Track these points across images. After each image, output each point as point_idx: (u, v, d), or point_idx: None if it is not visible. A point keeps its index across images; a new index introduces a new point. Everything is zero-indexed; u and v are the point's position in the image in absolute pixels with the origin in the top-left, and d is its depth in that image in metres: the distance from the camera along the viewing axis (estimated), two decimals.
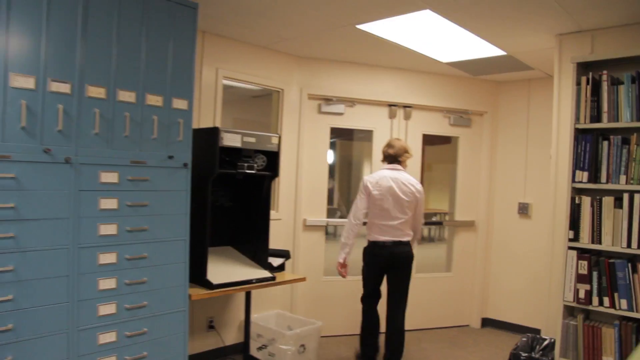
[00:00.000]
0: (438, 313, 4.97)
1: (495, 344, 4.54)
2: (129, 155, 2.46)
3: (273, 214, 4.10)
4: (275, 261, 3.64)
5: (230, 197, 3.59)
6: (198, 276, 3.02)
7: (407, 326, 3.81)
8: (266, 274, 3.32)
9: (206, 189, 3.03)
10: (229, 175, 3.33)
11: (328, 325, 4.42)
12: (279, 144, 3.34)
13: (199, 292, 2.90)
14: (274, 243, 3.81)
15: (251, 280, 3.19)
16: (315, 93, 4.42)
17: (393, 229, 3.59)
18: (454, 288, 5.03)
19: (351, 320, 4.57)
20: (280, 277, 3.47)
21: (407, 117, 4.78)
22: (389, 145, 3.78)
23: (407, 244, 3.65)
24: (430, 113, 4.90)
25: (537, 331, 4.76)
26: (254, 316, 3.96)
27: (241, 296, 3.90)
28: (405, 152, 3.77)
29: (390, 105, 4.76)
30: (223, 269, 3.23)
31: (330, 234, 4.94)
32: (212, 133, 3.02)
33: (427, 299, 4.92)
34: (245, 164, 3.17)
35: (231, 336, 3.93)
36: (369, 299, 3.77)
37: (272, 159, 3.34)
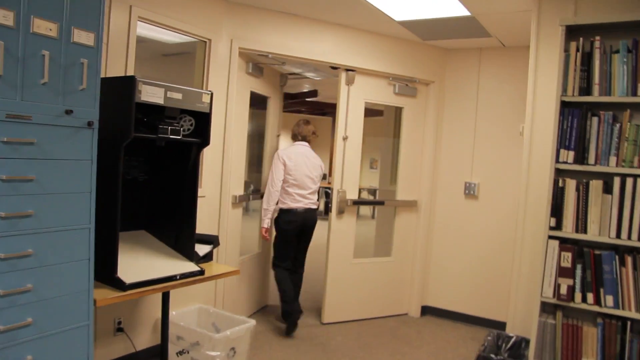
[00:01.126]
0: (376, 302, 4.53)
1: (441, 336, 4.18)
2: (3, 105, 1.67)
3: None
4: (202, 249, 2.97)
5: (144, 169, 2.84)
6: (106, 273, 2.30)
7: (344, 317, 4.31)
8: (192, 267, 2.65)
9: (117, 158, 2.29)
10: (144, 142, 2.60)
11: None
12: (210, 104, 2.63)
13: (107, 296, 2.18)
14: (197, 224, 3.12)
15: (174, 276, 2.51)
16: (248, 47, 3.71)
17: (304, 198, 4.06)
18: (394, 274, 4.61)
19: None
20: (208, 269, 2.81)
21: (349, 81, 4.21)
22: (299, 126, 4.28)
23: (315, 211, 4.14)
24: (375, 79, 4.36)
25: (482, 320, 4.47)
26: (172, 313, 3.27)
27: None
28: (312, 133, 4.29)
29: (332, 67, 4.17)
30: (137, 262, 2.52)
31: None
32: (127, 84, 2.26)
33: (366, 286, 4.45)
34: (169, 127, 2.45)
35: (144, 339, 3.22)
36: (285, 263, 4.10)
37: (202, 122, 2.64)
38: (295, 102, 11.02)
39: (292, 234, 4.05)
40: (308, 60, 3.98)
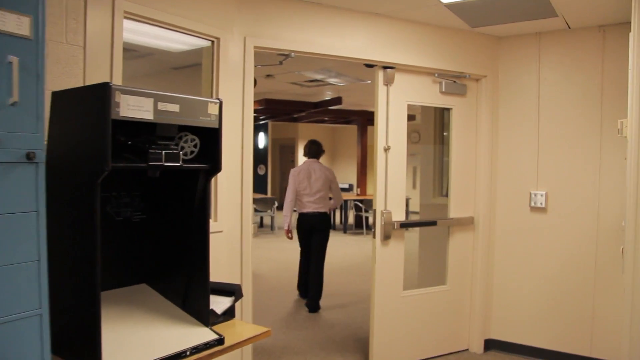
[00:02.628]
0: (431, 338, 3.81)
1: None
2: None
3: (211, 224, 2.73)
4: (220, 303, 2.30)
5: (140, 207, 2.19)
6: (82, 354, 1.65)
7: (395, 358, 3.69)
8: (207, 333, 1.98)
9: (91, 199, 1.63)
10: (135, 172, 1.96)
11: None
12: (219, 116, 1.97)
13: None
14: (213, 268, 2.47)
15: (183, 353, 1.84)
16: (265, 45, 3.05)
17: (312, 204, 5.18)
18: (450, 304, 3.88)
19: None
20: (229, 332, 2.14)
21: (388, 81, 3.52)
22: (307, 146, 5.51)
23: (323, 214, 5.23)
24: (417, 77, 3.67)
25: (559, 355, 3.72)
26: None
27: None
28: (319, 152, 5.47)
29: (367, 65, 3.49)
30: (132, 334, 1.86)
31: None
32: (98, 94, 1.61)
33: (419, 321, 3.74)
34: (163, 152, 1.78)
35: None
36: (303, 252, 5.46)
37: (210, 140, 1.98)
38: (317, 112, 10.37)
39: (304, 230, 5.28)
40: (338, 57, 3.31)
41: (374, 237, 3.51)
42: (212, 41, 2.87)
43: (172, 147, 1.83)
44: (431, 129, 4.56)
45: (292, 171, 5.30)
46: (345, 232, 11.20)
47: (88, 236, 1.65)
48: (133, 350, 1.76)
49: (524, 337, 3.88)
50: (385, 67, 3.51)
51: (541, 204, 3.76)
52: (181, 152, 1.86)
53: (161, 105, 1.74)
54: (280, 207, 12.74)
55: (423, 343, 3.76)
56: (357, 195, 11.60)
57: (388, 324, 3.59)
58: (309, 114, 10.89)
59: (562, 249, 3.71)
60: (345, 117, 11.71)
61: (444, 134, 4.35)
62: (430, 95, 3.72)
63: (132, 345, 1.78)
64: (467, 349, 3.99)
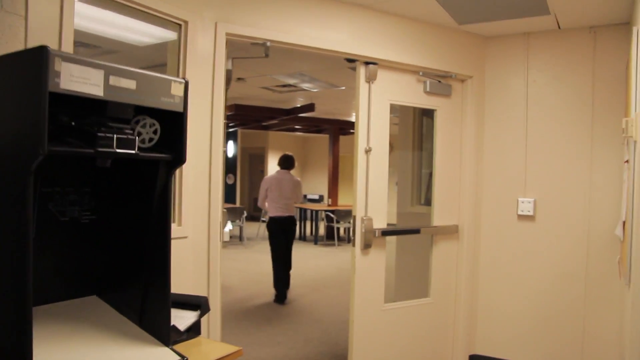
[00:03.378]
0: (413, 354, 3.54)
1: None
2: None
3: (173, 229, 2.42)
4: (183, 319, 1.99)
5: (90, 205, 1.86)
6: None
7: None
8: (168, 354, 1.67)
9: (23, 189, 1.31)
10: (83, 161, 1.66)
11: None
12: (185, 98, 1.67)
13: None
14: (176, 278, 2.16)
15: None
16: (238, 32, 2.77)
17: (281, 208, 5.92)
18: (434, 318, 3.63)
19: None
20: (194, 352, 1.82)
21: (370, 78, 3.28)
22: (281, 159, 6.26)
23: (291, 217, 6.04)
24: (401, 75, 3.44)
25: None
26: None
27: None
28: (294, 165, 6.28)
29: (348, 60, 3.25)
30: (76, 355, 1.53)
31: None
32: (33, 61, 1.30)
33: (401, 336, 3.47)
34: (115, 136, 1.47)
35: None
36: (277, 256, 5.95)
37: (173, 127, 1.68)
38: (289, 119, 10.08)
39: (276, 231, 5.96)
40: (317, 49, 3.04)
41: (354, 245, 3.24)
42: (180, 25, 2.57)
43: (127, 131, 1.53)
44: (410, 135, 4.34)
45: (265, 179, 6.22)
46: (316, 243, 10.90)
47: (18, 236, 1.33)
48: None
49: (509, 353, 3.65)
50: (367, 63, 3.26)
51: (529, 211, 3.55)
52: (137, 139, 1.55)
53: (113, 80, 1.43)
54: (248, 218, 12.40)
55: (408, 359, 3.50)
56: (328, 205, 11.34)
57: (368, 339, 3.31)
58: (281, 121, 10.61)
59: (551, 259, 3.51)
60: (317, 125, 11.47)
61: (422, 141, 4.14)
62: (414, 95, 3.50)
63: None
64: None
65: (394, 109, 3.49)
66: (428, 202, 3.80)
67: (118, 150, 1.48)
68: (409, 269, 4.05)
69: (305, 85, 7.44)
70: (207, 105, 2.68)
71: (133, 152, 1.52)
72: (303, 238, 11.44)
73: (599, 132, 3.37)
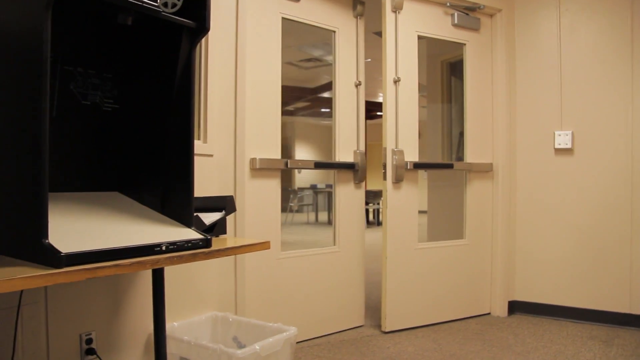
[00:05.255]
0: (449, 300, 3.41)
1: (547, 338, 3.04)
2: None
3: (198, 145, 2.37)
4: (208, 217, 1.92)
5: (113, 94, 1.81)
6: (29, 244, 1.27)
7: (411, 323, 3.25)
8: (190, 233, 1.60)
9: (38, 37, 1.25)
10: (103, 35, 1.61)
11: (299, 327, 2.75)
12: None
13: (16, 275, 1.12)
14: (201, 195, 2.12)
15: (157, 245, 1.45)
16: None
17: None
18: (470, 261, 3.49)
19: (329, 316, 2.96)
20: (219, 242, 1.75)
21: (396, 7, 3.17)
22: None
23: None
24: (428, 7, 3.32)
25: (594, 313, 3.32)
26: (172, 325, 2.22)
27: (143, 288, 2.14)
28: None
29: None
30: (93, 227, 1.47)
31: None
32: None
33: (436, 279, 3.35)
34: None
35: None
36: None
37: None
38: (314, 99, 9.97)
39: None
40: None
41: (385, 179, 3.14)
42: None
43: None
44: (438, 87, 4.23)
45: None
46: None
47: (33, 91, 1.27)
48: (92, 238, 1.37)
49: (552, 296, 3.49)
50: None
51: (567, 144, 3.39)
52: (160, 1, 1.49)
53: None
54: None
55: (441, 305, 3.36)
56: None
57: (402, 282, 3.19)
58: (307, 104, 10.53)
59: (592, 194, 3.35)
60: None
61: (451, 100, 4.02)
62: (442, 28, 3.38)
63: (92, 235, 1.40)
64: (489, 313, 3.60)
65: (421, 87, 3.37)
66: (460, 159, 3.67)
67: (140, 2, 1.41)
68: (442, 211, 3.92)
69: (330, 58, 7.38)
70: (232, 27, 2.61)
71: (156, 4, 1.45)
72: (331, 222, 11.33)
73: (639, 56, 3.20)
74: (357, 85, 3.21)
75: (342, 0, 3.14)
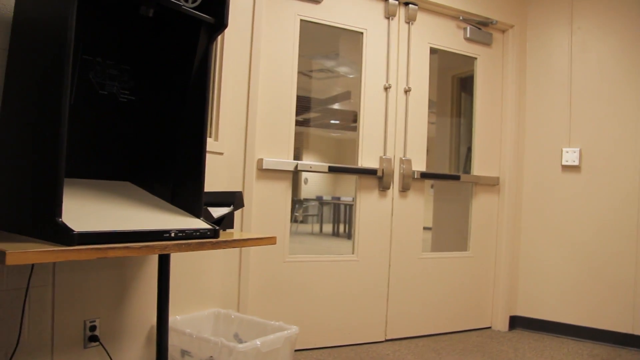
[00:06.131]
0: (451, 311, 3.42)
1: (548, 354, 3.04)
2: None
3: (209, 143, 2.41)
4: (217, 211, 1.95)
5: (130, 85, 1.86)
6: (43, 222, 1.30)
7: (413, 331, 3.27)
8: (198, 223, 1.63)
9: (63, 20, 1.30)
10: (123, 27, 1.66)
11: (301, 333, 2.77)
12: None
13: (29, 249, 1.16)
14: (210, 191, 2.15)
15: (166, 232, 1.48)
16: None
17: None
18: (473, 274, 3.50)
19: (333, 324, 2.96)
20: (226, 235, 1.78)
21: (409, 19, 3.22)
22: None
23: None
24: (441, 19, 3.37)
25: (597, 332, 3.31)
26: (175, 318, 2.24)
27: (149, 280, 2.16)
28: None
29: None
30: (105, 211, 1.51)
31: None
32: None
33: (438, 290, 3.36)
34: None
35: (132, 355, 2.17)
36: None
37: None
38: (325, 110, 10.03)
39: None
40: None
41: (391, 188, 3.16)
42: None
43: None
44: (448, 100, 4.26)
45: None
46: (349, 238, 10.77)
47: (55, 76, 1.31)
48: (104, 220, 1.40)
49: (554, 313, 3.48)
50: (406, 4, 3.21)
51: (574, 161, 3.41)
52: None
53: None
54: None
55: (442, 316, 3.37)
56: None
57: (404, 289, 3.20)
58: (317, 114, 10.58)
59: (598, 211, 3.35)
60: (355, 119, 11.40)
61: (461, 116, 4.05)
62: (453, 41, 3.42)
63: (104, 218, 1.43)
64: (490, 327, 3.59)
65: (431, 103, 3.38)
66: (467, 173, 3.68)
67: None
68: (448, 223, 3.93)
69: (341, 70, 7.43)
70: (247, 31, 2.66)
71: (178, 1, 1.50)
72: (337, 234, 11.36)
73: None
74: (387, 88, 3.19)
75: (372, 1, 3.11)
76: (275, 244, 1.87)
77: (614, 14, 3.36)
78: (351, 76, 8.02)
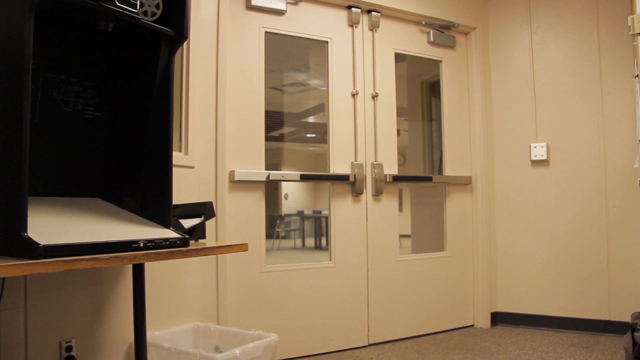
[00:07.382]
0: (432, 312, 3.44)
1: (530, 346, 3.07)
2: None
3: (179, 157, 2.41)
4: (187, 222, 1.95)
5: (95, 102, 1.86)
6: (7, 237, 1.30)
7: (395, 334, 3.29)
8: (168, 233, 1.63)
9: (21, 36, 1.31)
10: (85, 44, 1.67)
11: (283, 342, 2.76)
12: None
13: None
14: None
15: (135, 242, 1.48)
16: None
17: None
18: (452, 273, 3.54)
19: (315, 331, 2.96)
20: (197, 245, 1.79)
21: (373, 26, 3.29)
22: None
23: None
24: (404, 25, 3.44)
25: (575, 322, 3.36)
26: (153, 334, 2.23)
27: (124, 296, 2.15)
28: None
29: (350, 6, 3.26)
30: (73, 224, 1.51)
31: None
32: None
33: (418, 291, 3.38)
34: None
35: None
36: None
37: (174, 2, 1.69)
38: (300, 124, 10.07)
39: None
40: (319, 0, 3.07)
41: (364, 192, 3.19)
42: None
43: (131, 1, 1.53)
44: (418, 105, 4.32)
45: None
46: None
47: (15, 93, 1.32)
48: (72, 233, 1.40)
49: (534, 306, 3.53)
50: (369, 11, 3.28)
51: (542, 156, 3.49)
52: (138, 4, 1.56)
53: None
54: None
55: (424, 317, 3.39)
56: None
57: (384, 293, 3.22)
58: (293, 128, 10.62)
59: (568, 203, 3.43)
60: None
61: (432, 122, 4.11)
62: (418, 45, 3.49)
63: (72, 231, 1.43)
64: (472, 325, 3.63)
65: (403, 110, 3.41)
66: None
67: (119, 6, 1.48)
68: (425, 226, 3.97)
69: (313, 82, 7.50)
70: (213, 43, 2.68)
71: (135, 10, 1.52)
72: (319, 247, 11.36)
73: (607, 69, 3.33)
74: (354, 94, 3.23)
75: (335, 10, 3.17)
76: (247, 250, 1.88)
77: (570, 12, 3.47)
78: (323, 88, 8.07)
